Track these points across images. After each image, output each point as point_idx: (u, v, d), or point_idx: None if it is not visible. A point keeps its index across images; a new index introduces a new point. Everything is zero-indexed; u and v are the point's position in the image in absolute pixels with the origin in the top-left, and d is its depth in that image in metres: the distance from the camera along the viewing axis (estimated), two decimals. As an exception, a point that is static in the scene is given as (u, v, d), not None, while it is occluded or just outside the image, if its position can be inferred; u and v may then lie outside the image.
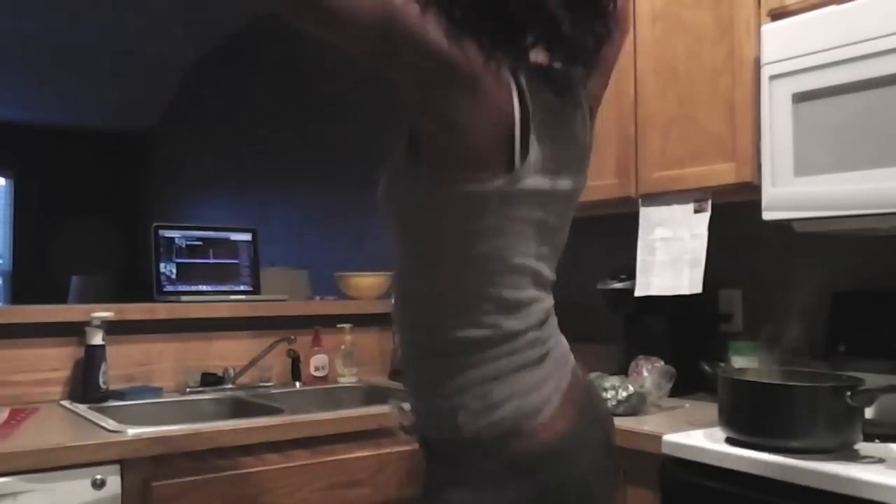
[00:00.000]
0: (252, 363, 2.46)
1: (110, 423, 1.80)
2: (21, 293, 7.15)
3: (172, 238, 2.59)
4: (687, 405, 2.01)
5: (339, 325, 2.65)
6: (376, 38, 1.00)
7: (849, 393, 1.44)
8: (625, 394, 1.88)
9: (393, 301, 1.28)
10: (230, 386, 2.41)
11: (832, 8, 1.67)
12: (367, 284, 2.85)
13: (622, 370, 2.04)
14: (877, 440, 1.50)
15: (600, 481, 1.17)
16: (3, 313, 2.26)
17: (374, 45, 1.02)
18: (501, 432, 1.10)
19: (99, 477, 1.63)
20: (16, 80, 6.38)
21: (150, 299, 2.51)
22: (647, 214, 2.13)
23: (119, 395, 2.18)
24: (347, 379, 2.62)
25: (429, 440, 1.22)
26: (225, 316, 2.49)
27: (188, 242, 2.61)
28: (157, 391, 2.29)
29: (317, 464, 1.92)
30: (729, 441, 1.56)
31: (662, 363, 1.98)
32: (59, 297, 5.82)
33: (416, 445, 1.27)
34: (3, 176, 7.52)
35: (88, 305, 2.25)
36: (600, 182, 2.23)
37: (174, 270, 2.57)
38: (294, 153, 4.66)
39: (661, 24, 2.08)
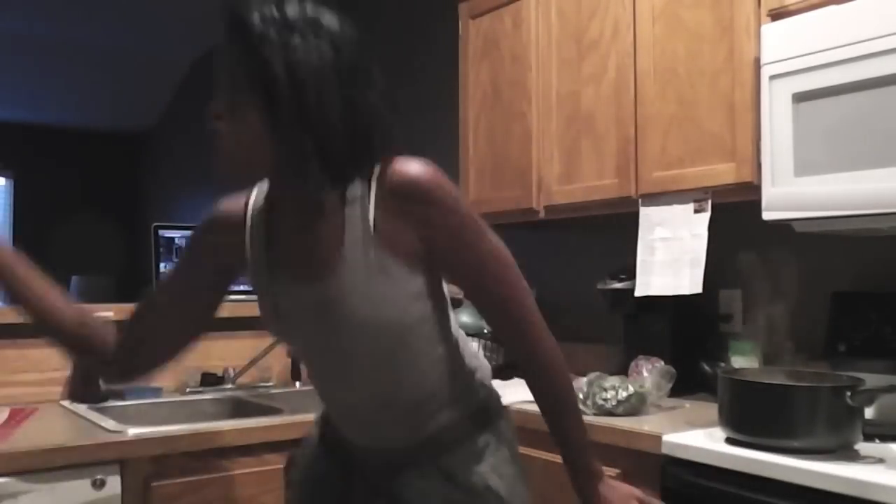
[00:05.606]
0: (252, 363, 2.46)
1: (110, 423, 1.80)
2: (21, 293, 7.14)
3: (172, 238, 2.59)
4: (687, 405, 2.00)
5: (338, 325, 2.65)
6: None
7: (849, 393, 1.44)
8: (625, 394, 1.88)
9: None
10: (230, 386, 2.41)
11: (832, 8, 1.66)
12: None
13: (622, 370, 2.04)
14: (877, 440, 1.50)
15: None
16: (3, 313, 2.26)
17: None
18: None
19: (99, 477, 1.63)
20: (16, 80, 6.38)
21: (150, 299, 2.50)
22: (647, 214, 2.13)
23: (119, 395, 2.18)
24: (347, 379, 2.62)
25: None
26: (225, 316, 2.47)
27: (188, 242, 2.61)
28: (157, 391, 2.29)
29: (317, 464, 1.91)
30: (729, 441, 1.56)
31: (662, 363, 1.98)
32: (59, 297, 5.80)
33: None
34: (3, 176, 7.52)
35: (88, 305, 2.24)
36: (600, 182, 2.24)
37: (174, 270, 2.57)
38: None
39: (661, 24, 2.08)
